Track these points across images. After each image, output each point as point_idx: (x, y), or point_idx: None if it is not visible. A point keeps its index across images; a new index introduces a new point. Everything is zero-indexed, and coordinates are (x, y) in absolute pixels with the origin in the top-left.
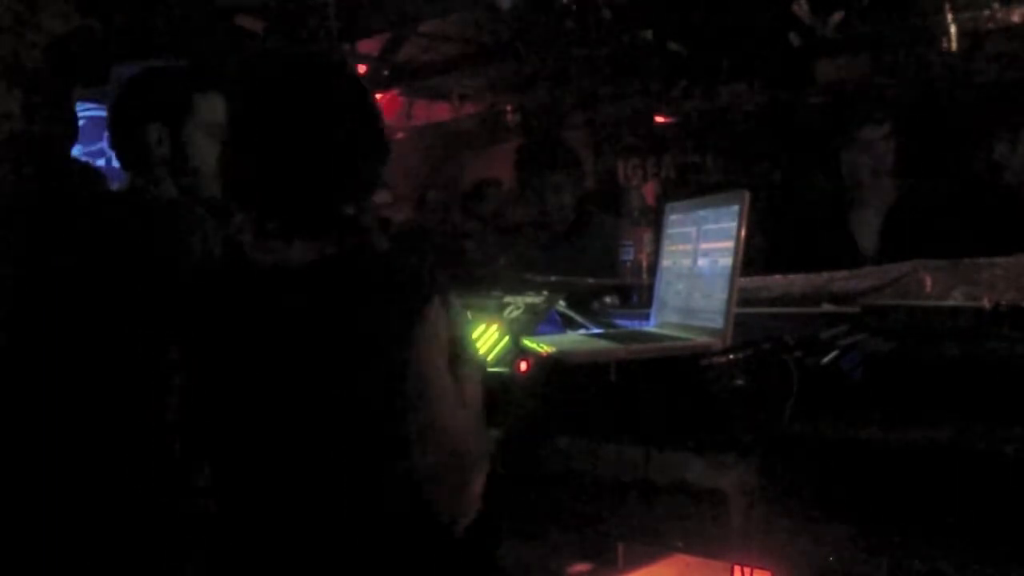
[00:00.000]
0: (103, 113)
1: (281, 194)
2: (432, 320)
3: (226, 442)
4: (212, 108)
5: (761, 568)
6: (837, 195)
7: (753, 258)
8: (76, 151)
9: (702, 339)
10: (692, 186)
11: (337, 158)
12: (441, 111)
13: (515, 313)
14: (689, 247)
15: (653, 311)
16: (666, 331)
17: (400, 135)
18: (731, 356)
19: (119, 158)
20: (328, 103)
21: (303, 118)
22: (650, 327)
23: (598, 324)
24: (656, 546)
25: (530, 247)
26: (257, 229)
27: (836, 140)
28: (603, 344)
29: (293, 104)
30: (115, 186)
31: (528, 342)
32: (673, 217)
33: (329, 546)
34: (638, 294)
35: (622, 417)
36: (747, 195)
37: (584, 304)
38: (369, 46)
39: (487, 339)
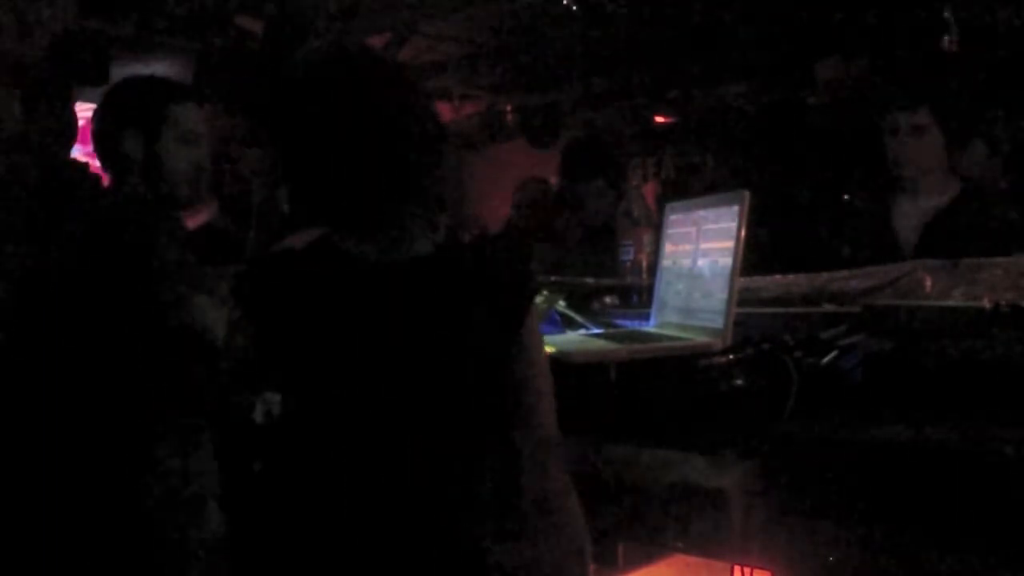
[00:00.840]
0: None
1: (363, 196)
2: (534, 313)
3: (325, 434)
4: (187, 117)
5: (761, 568)
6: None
7: (755, 262)
8: (76, 151)
9: (702, 339)
10: (692, 186)
11: (410, 158)
12: (441, 111)
13: None
14: (689, 247)
15: (653, 311)
16: (666, 331)
17: None
18: (731, 356)
19: (100, 162)
20: (396, 105)
21: (361, 119)
22: (650, 327)
23: (598, 324)
24: (656, 546)
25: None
26: (338, 229)
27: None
28: (603, 344)
29: (351, 105)
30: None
31: None
32: (673, 217)
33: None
34: (638, 294)
35: (622, 417)
36: (747, 195)
37: (584, 304)
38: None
39: None
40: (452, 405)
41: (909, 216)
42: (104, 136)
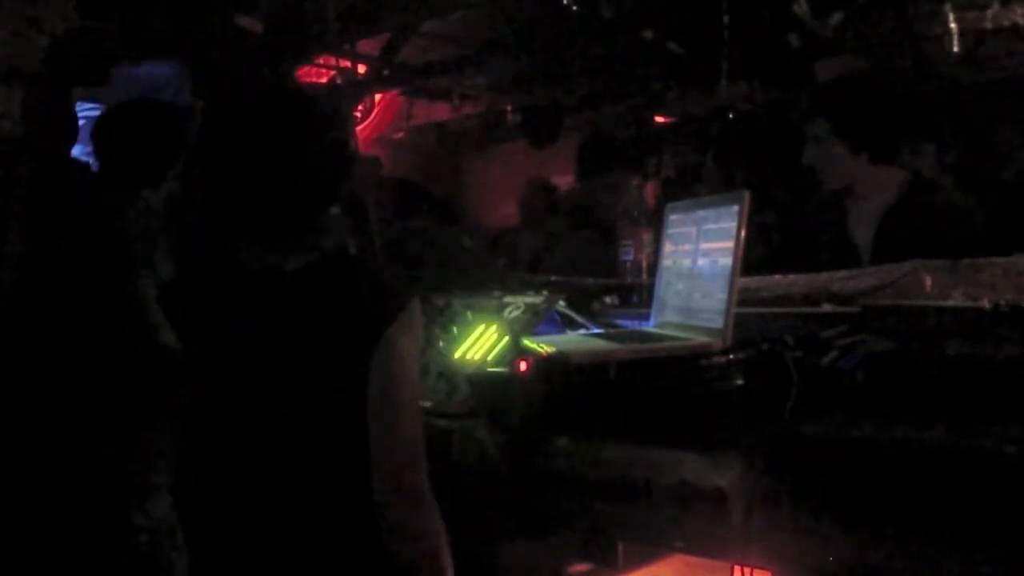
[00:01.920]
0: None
1: (258, 209)
2: (403, 328)
3: (206, 433)
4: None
5: (761, 568)
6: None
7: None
8: (76, 151)
9: (702, 339)
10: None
11: (304, 178)
12: (441, 111)
13: (515, 313)
14: (689, 247)
15: (653, 311)
16: (666, 331)
17: (400, 135)
18: (731, 356)
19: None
20: (292, 134)
21: (273, 146)
22: (650, 327)
23: (598, 324)
24: (656, 546)
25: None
26: (239, 237)
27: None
28: (603, 344)
29: (264, 133)
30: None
31: (528, 342)
32: (673, 217)
33: (286, 539)
34: (638, 294)
35: (622, 417)
36: (747, 195)
37: (584, 304)
38: (369, 46)
39: (487, 339)
40: (305, 410)
41: (862, 220)
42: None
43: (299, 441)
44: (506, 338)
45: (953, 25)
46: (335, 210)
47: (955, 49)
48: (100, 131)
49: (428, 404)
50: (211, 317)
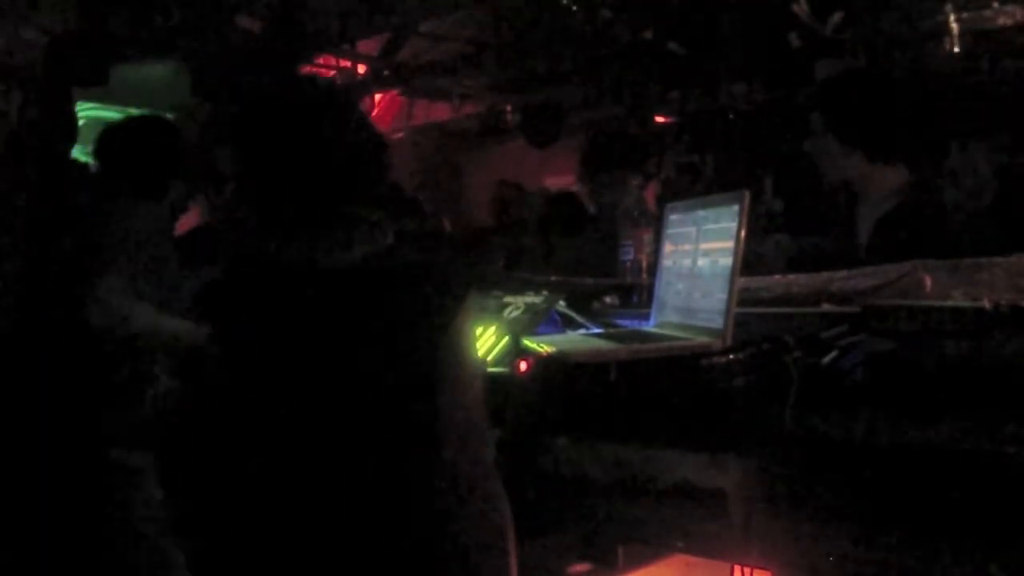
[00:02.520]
0: (103, 113)
1: (297, 204)
2: (462, 318)
3: (247, 435)
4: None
5: (761, 568)
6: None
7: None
8: (76, 151)
9: (702, 339)
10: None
11: (341, 170)
12: (441, 111)
13: (515, 313)
14: (689, 247)
15: (653, 311)
16: (666, 331)
17: (400, 135)
18: (731, 356)
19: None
20: (323, 127)
21: (307, 141)
22: (650, 327)
23: (598, 324)
24: (656, 546)
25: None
26: (279, 233)
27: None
28: (603, 344)
29: (297, 129)
30: None
31: (528, 342)
32: (673, 217)
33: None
34: (638, 294)
35: (622, 417)
36: (747, 195)
37: (584, 304)
38: (369, 46)
39: (487, 339)
40: (371, 409)
41: (867, 219)
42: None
43: (362, 452)
44: (506, 338)
45: (954, 25)
46: (376, 202)
47: (955, 49)
48: (102, 147)
49: None
50: (250, 315)
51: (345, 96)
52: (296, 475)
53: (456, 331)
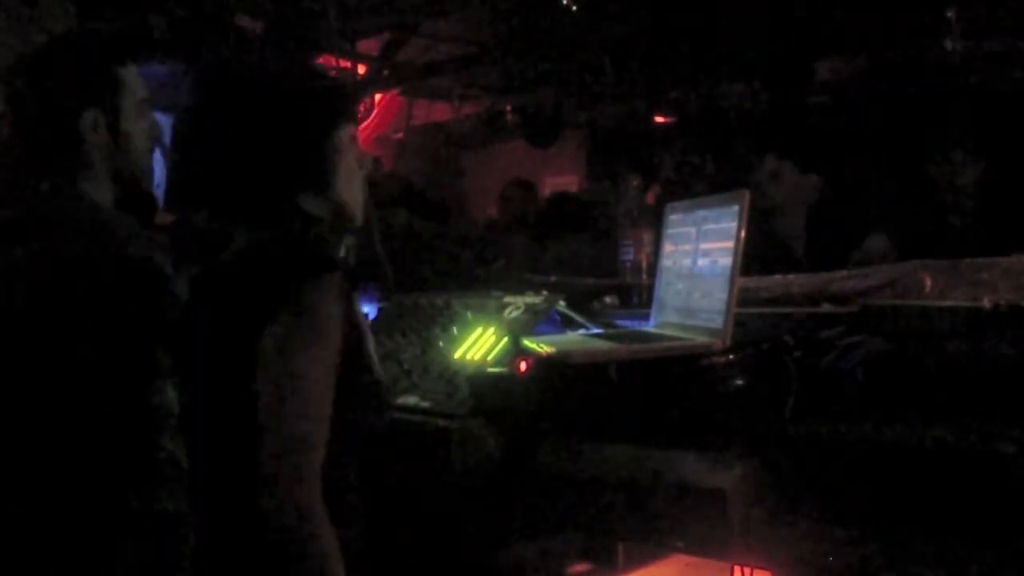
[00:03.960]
0: None
1: (211, 191)
2: (312, 301)
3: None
4: (138, 82)
5: (761, 568)
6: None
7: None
8: None
9: (702, 339)
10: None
11: (265, 158)
12: (441, 111)
13: (515, 313)
14: (689, 247)
15: (653, 311)
16: (666, 331)
17: (400, 135)
18: (731, 356)
19: (30, 152)
20: (260, 117)
21: (240, 128)
22: (650, 327)
23: (598, 324)
24: (656, 546)
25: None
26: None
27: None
28: (603, 344)
29: (232, 116)
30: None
31: (528, 342)
32: (673, 217)
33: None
34: (638, 294)
35: (622, 417)
36: (747, 195)
37: (584, 304)
38: (369, 46)
39: (487, 339)
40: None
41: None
42: (47, 117)
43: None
44: (506, 338)
45: (955, 25)
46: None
47: (957, 49)
48: None
49: (427, 404)
50: (187, 306)
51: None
52: None
53: (302, 303)
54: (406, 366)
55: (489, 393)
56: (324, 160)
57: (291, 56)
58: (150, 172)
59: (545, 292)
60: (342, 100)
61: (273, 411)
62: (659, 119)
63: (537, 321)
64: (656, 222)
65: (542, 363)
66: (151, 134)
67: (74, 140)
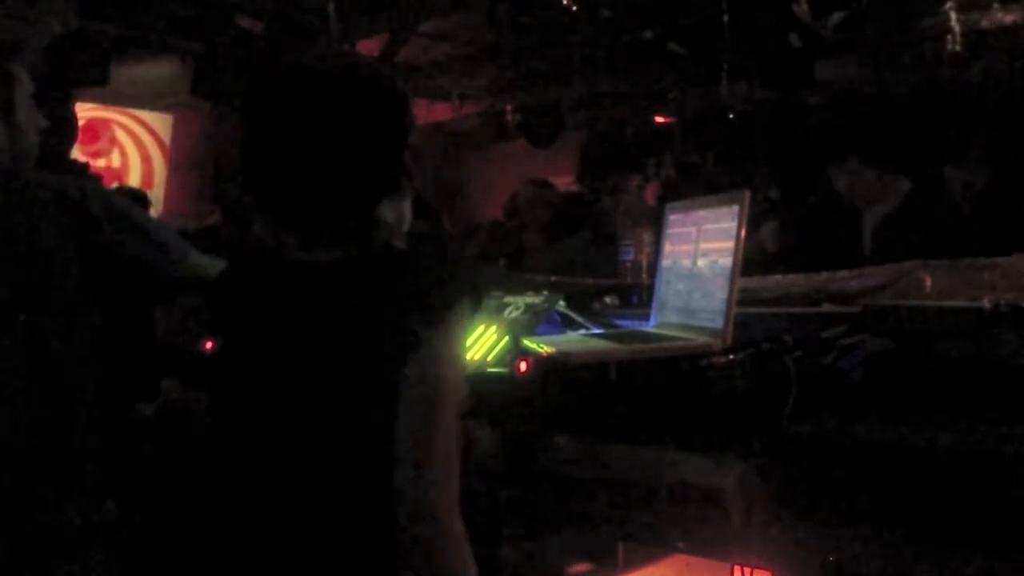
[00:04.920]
0: (103, 113)
1: (304, 199)
2: (449, 328)
3: (232, 425)
4: (27, 76)
5: (761, 568)
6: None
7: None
8: (76, 151)
9: (702, 339)
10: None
11: (354, 165)
12: (441, 111)
13: (515, 313)
14: (689, 247)
15: (653, 311)
16: (666, 331)
17: None
18: (731, 356)
19: None
20: (341, 109)
21: (317, 124)
22: (650, 327)
23: (598, 324)
24: (656, 546)
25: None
26: (280, 229)
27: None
28: (603, 344)
29: (309, 112)
30: None
31: (528, 342)
32: (673, 217)
33: (300, 551)
34: (638, 294)
35: (622, 417)
36: (747, 195)
37: (584, 304)
38: (369, 46)
39: (487, 339)
40: (329, 421)
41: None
42: None
43: (313, 451)
44: (506, 338)
45: (955, 25)
46: (391, 202)
47: (957, 49)
48: None
49: None
50: (249, 313)
51: (395, 83)
52: (246, 478)
53: (433, 348)
54: None
55: (489, 393)
56: (402, 165)
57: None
58: (35, 160)
59: (545, 292)
60: (408, 102)
61: (420, 433)
62: (659, 119)
63: (537, 321)
64: (656, 222)
65: (542, 363)
66: (38, 126)
67: None
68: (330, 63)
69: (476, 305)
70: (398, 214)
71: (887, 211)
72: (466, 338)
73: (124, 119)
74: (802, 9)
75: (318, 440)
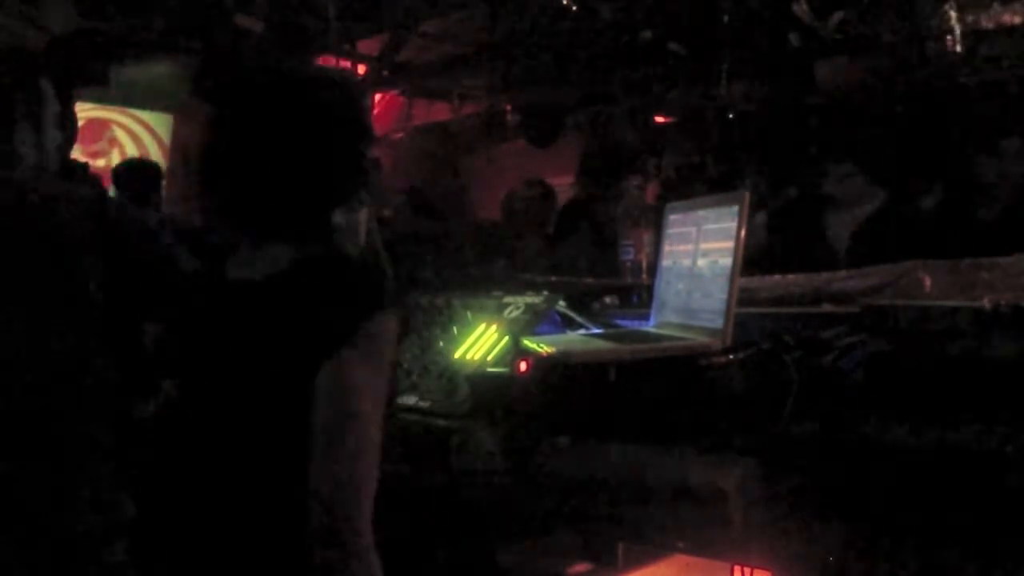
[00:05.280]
0: (103, 113)
1: (257, 200)
2: (374, 336)
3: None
4: (52, 94)
5: (761, 568)
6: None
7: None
8: (76, 151)
9: (702, 339)
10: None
11: (307, 171)
12: (441, 111)
13: (515, 313)
14: (689, 247)
15: (653, 311)
16: (666, 331)
17: (400, 135)
18: (731, 356)
19: None
20: (305, 120)
21: (274, 135)
22: (650, 327)
23: (598, 324)
24: (656, 546)
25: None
26: (234, 232)
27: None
28: (603, 344)
29: (266, 121)
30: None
31: (528, 342)
32: (673, 217)
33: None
34: (638, 294)
35: (622, 417)
36: (747, 195)
37: (584, 304)
38: (369, 46)
39: (487, 339)
40: (244, 427)
41: (840, 226)
42: None
43: (233, 461)
44: (506, 338)
45: (956, 25)
46: (339, 213)
47: (957, 49)
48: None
49: (427, 404)
50: (194, 325)
51: (352, 95)
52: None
53: (342, 368)
54: (406, 366)
55: (489, 393)
56: (361, 172)
57: (300, 63)
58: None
59: (545, 292)
60: (367, 111)
61: (324, 450)
62: (659, 119)
63: (537, 321)
64: (656, 222)
65: (542, 363)
66: (55, 142)
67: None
68: (293, 74)
69: (403, 321)
70: (351, 222)
71: (870, 212)
72: (389, 353)
73: (124, 119)
74: (802, 9)
75: (236, 441)
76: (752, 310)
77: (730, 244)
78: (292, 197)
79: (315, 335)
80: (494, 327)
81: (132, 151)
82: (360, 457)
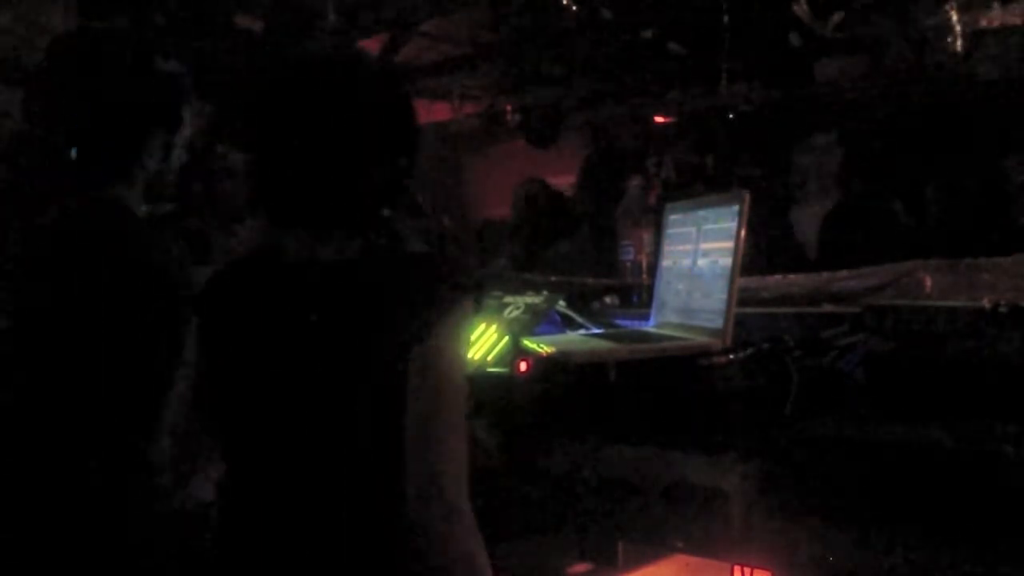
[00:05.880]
0: None
1: (308, 197)
2: (452, 324)
3: (236, 433)
4: (188, 118)
5: (761, 568)
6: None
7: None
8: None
9: (702, 339)
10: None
11: (362, 162)
12: (441, 111)
13: (515, 313)
14: (689, 247)
15: (653, 311)
16: (666, 331)
17: None
18: (731, 356)
19: (81, 159)
20: (350, 106)
21: (326, 121)
22: (650, 327)
23: (598, 324)
24: (656, 546)
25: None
26: (283, 231)
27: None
28: (603, 344)
29: (317, 108)
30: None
31: (528, 342)
32: (673, 217)
33: (314, 541)
34: (638, 294)
35: (622, 417)
36: (747, 195)
37: (584, 304)
38: (369, 46)
39: (487, 339)
40: (335, 419)
41: (806, 223)
42: (117, 129)
43: (321, 445)
44: (506, 338)
45: (956, 25)
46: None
47: (958, 49)
48: None
49: None
50: (249, 313)
51: (395, 74)
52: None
53: (436, 342)
54: None
55: (489, 393)
56: (411, 167)
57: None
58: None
59: (545, 292)
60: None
61: (424, 424)
62: (659, 119)
63: (537, 321)
64: (656, 222)
65: (542, 363)
66: (181, 164)
67: (132, 159)
68: (337, 60)
69: (478, 303)
70: (401, 213)
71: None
72: (468, 335)
73: None
74: (802, 9)
75: (326, 435)
76: (752, 310)
77: (730, 244)
78: (353, 187)
79: (406, 320)
80: (494, 327)
81: None
82: (457, 430)
